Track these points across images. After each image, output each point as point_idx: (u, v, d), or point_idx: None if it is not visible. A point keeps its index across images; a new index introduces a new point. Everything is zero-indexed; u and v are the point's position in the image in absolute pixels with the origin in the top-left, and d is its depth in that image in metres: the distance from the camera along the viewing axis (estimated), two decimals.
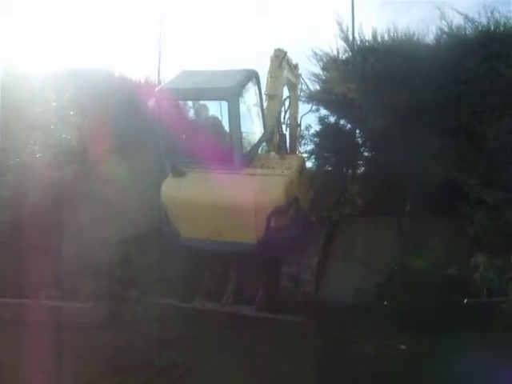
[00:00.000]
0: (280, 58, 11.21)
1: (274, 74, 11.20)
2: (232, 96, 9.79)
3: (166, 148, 10.22)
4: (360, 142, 11.52)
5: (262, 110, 10.57)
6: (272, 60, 11.21)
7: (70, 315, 8.96)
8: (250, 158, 10.26)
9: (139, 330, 8.76)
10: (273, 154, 10.82)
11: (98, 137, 11.12)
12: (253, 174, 9.85)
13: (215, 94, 10.22)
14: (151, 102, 10.56)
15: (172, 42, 15.08)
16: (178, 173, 9.97)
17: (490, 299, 7.99)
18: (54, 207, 10.64)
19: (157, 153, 10.45)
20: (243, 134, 10.22)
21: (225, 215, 9.50)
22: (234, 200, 9.55)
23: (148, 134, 10.67)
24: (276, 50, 11.31)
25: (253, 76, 10.42)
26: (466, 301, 7.72)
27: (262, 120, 10.59)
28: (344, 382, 7.67)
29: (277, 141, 11.14)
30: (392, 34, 10.88)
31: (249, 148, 10.40)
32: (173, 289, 9.69)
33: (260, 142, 10.82)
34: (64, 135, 11.81)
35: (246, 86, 10.26)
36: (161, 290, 9.62)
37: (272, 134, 10.93)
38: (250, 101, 10.49)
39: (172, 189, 9.97)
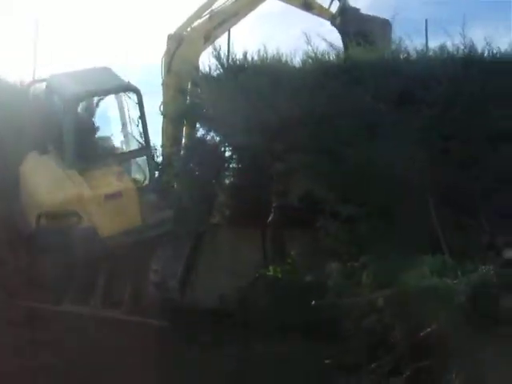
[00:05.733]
0: (170, 56, 11.63)
1: (164, 81, 11.67)
2: (68, 102, 10.38)
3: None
4: (228, 155, 12.03)
5: (144, 124, 10.86)
6: (163, 56, 11.72)
7: None
8: (97, 162, 10.62)
9: (9, 332, 8.78)
10: (119, 170, 10.80)
11: None
12: (69, 177, 10.24)
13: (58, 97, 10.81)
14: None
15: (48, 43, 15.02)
16: None
17: (336, 301, 8.61)
18: None
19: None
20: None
21: None
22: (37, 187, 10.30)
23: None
24: (169, 38, 11.75)
25: (119, 89, 11.04)
26: (313, 302, 8.31)
27: (144, 135, 10.93)
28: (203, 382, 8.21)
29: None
30: (262, 55, 11.37)
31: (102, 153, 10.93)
32: (43, 292, 9.78)
33: (129, 154, 11.35)
34: None
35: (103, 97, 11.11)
36: (31, 292, 9.69)
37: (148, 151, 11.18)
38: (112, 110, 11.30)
39: None
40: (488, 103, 9.72)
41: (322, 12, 12.92)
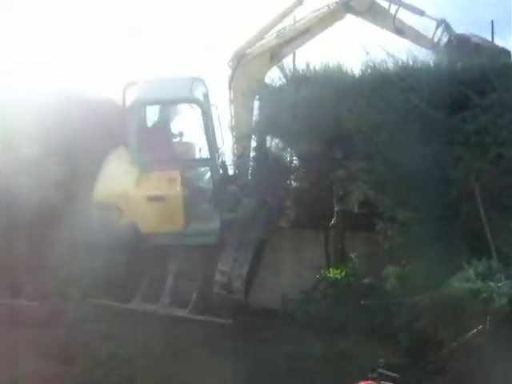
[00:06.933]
0: (231, 74, 11.92)
1: (229, 98, 11.98)
2: (133, 106, 11.35)
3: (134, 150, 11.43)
4: (294, 162, 12.41)
5: (208, 137, 11.57)
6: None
7: (18, 312, 9.65)
8: (159, 164, 11.37)
9: (82, 327, 9.55)
10: (174, 175, 11.35)
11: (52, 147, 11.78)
12: (126, 175, 11.22)
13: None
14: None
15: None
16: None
17: (385, 302, 8.96)
18: (6, 210, 11.02)
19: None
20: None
21: None
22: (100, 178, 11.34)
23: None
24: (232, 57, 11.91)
25: (182, 101, 11.92)
26: (362, 302, 8.70)
27: (209, 146, 11.64)
28: (262, 376, 8.73)
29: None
30: (324, 65, 11.55)
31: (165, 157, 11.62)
32: (114, 290, 10.51)
33: (191, 162, 12.21)
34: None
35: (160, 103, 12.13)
36: (103, 290, 10.41)
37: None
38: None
39: None
40: None
41: (419, 39, 11.65)
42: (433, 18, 11.71)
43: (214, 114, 12.29)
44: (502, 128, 9.76)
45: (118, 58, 15.61)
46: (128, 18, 18.35)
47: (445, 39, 11.63)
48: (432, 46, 11.58)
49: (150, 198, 10.97)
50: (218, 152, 12.18)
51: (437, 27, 11.60)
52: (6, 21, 15.31)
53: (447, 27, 11.57)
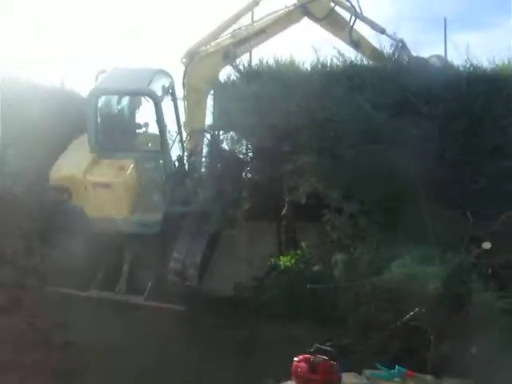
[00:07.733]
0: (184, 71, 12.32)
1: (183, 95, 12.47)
2: (90, 94, 11.73)
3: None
4: (249, 154, 12.72)
5: (161, 129, 11.89)
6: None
7: None
8: (115, 152, 11.88)
9: (39, 315, 9.67)
10: (124, 164, 11.78)
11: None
12: (81, 160, 11.68)
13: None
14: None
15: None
16: None
17: (330, 286, 9.45)
18: None
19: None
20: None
21: None
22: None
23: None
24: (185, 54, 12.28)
25: (136, 93, 12.24)
26: (308, 286, 9.19)
27: (161, 139, 11.93)
28: (215, 361, 9.12)
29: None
30: (276, 59, 11.92)
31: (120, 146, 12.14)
32: (71, 278, 10.79)
33: (144, 153, 12.45)
34: None
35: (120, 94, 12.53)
36: (60, 278, 10.65)
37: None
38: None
39: None
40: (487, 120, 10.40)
41: (375, 56, 11.91)
42: (391, 37, 12.01)
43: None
44: (446, 135, 10.28)
45: (118, 58, 15.94)
46: (128, 18, 18.72)
47: (403, 57, 11.90)
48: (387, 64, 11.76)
49: (96, 184, 11.36)
50: (183, 145, 12.66)
51: (395, 46, 11.90)
52: (6, 21, 15.63)
53: (404, 48, 11.85)
